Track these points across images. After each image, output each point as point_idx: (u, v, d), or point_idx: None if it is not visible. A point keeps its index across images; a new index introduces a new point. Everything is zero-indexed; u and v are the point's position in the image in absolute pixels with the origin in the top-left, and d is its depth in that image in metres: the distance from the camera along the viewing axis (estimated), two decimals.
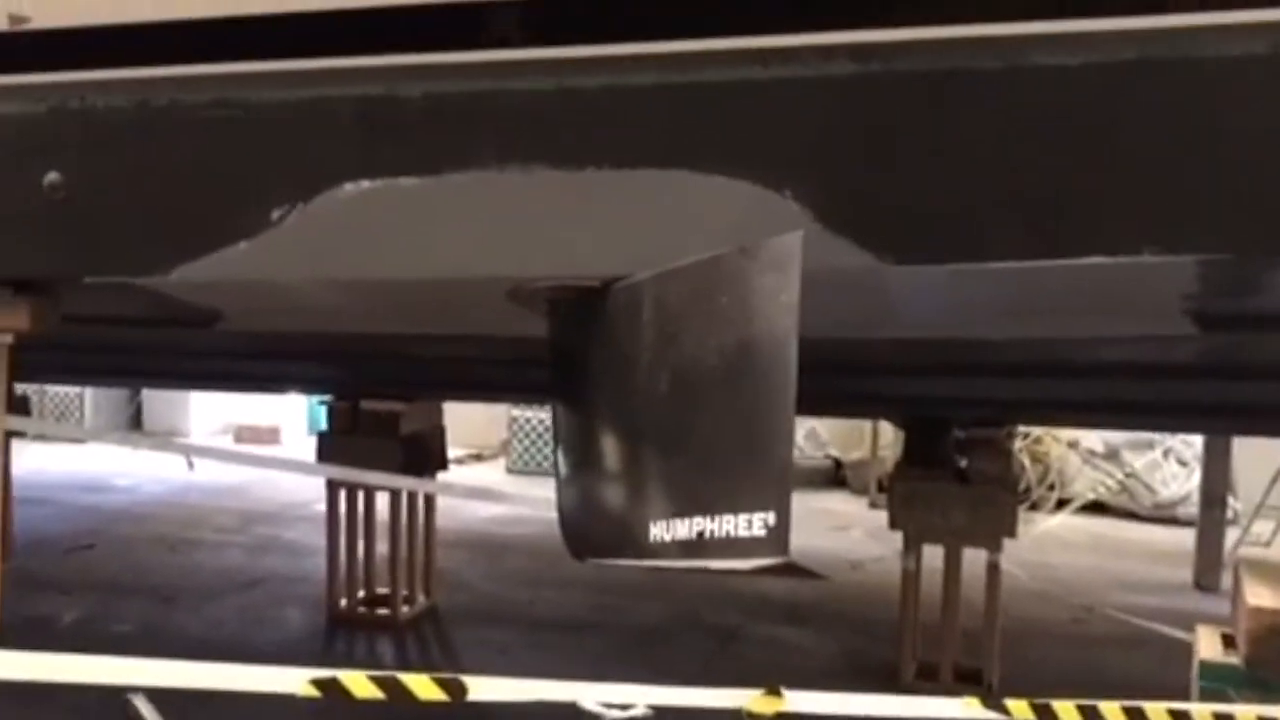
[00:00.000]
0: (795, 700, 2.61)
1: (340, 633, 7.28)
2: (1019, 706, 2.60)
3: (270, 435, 14.99)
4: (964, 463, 6.24)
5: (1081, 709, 2.69)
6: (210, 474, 12.36)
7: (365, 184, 2.63)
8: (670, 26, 2.41)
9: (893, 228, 2.33)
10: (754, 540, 2.04)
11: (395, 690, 2.36)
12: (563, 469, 2.79)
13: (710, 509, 2.14)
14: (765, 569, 2.05)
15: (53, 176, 2.81)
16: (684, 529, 2.20)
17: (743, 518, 2.05)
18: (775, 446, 2.06)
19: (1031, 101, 2.25)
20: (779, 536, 2.00)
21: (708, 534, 2.14)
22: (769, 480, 2.05)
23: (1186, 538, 9.75)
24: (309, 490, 10.50)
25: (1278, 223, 2.22)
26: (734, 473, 2.13)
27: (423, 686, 2.38)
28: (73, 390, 15.37)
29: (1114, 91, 2.22)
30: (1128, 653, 7.03)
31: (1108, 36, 2.19)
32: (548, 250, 2.58)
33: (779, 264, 2.08)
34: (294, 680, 2.29)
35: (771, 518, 2.02)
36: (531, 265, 2.61)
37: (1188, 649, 5.23)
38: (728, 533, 2.09)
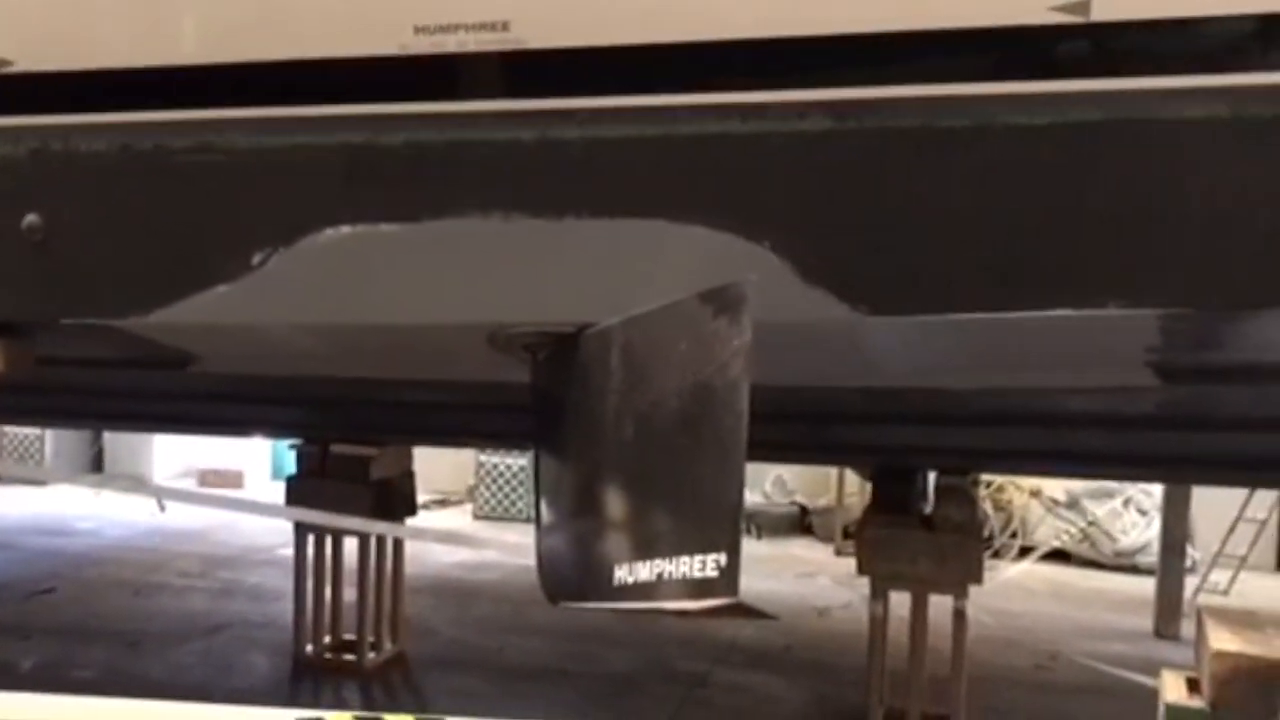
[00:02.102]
0: None
1: (306, 679, 7.20)
2: None
3: (234, 479, 14.81)
4: (931, 510, 6.28)
5: None
6: (173, 518, 12.22)
7: (346, 230, 2.67)
8: (651, 80, 2.46)
9: (869, 280, 2.38)
10: (707, 581, 2.08)
11: None
12: (542, 513, 2.81)
13: (668, 551, 2.18)
14: (717, 610, 2.09)
15: (31, 219, 2.82)
16: (645, 571, 2.23)
17: (697, 559, 2.09)
18: (727, 488, 2.10)
19: (1001, 158, 2.31)
20: (730, 577, 2.04)
21: (666, 575, 2.17)
22: (721, 521, 2.09)
23: (1146, 585, 9.84)
24: (272, 534, 10.41)
25: (1237, 278, 2.29)
26: (689, 514, 2.18)
27: None
28: (32, 432, 15.16)
29: (1080, 150, 2.29)
30: (1091, 699, 7.08)
31: (1075, 97, 2.27)
32: (527, 297, 2.61)
33: (732, 309, 2.12)
34: None
35: (723, 559, 2.06)
36: (510, 312, 2.65)
37: (1149, 695, 5.28)
38: (684, 574, 2.13)
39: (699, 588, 2.10)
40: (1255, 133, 2.22)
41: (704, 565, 2.09)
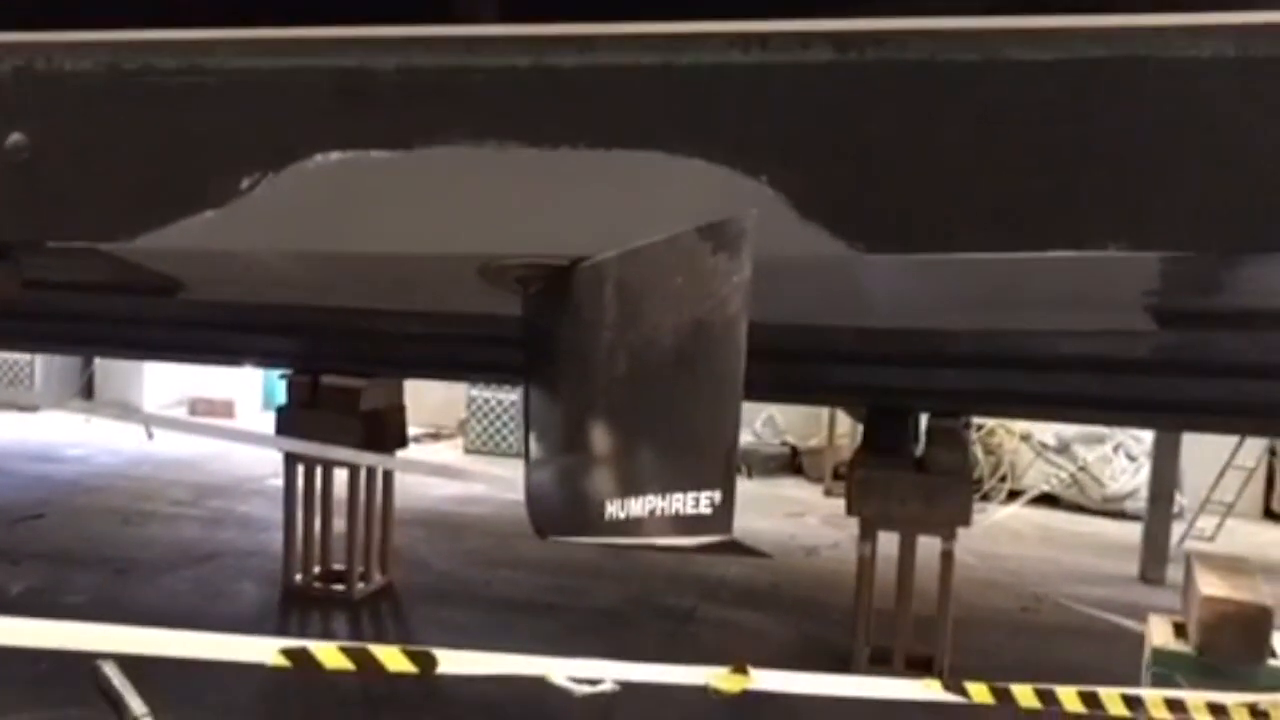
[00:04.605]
0: (760, 679, 2.64)
1: (295, 608, 7.25)
2: (978, 689, 2.65)
3: (225, 409, 14.84)
4: (922, 452, 6.30)
5: (1039, 692, 2.74)
6: (164, 446, 12.23)
7: (336, 156, 2.61)
8: (651, 6, 2.40)
9: (866, 217, 2.35)
10: (699, 518, 2.07)
11: (365, 661, 2.36)
12: (531, 447, 2.80)
13: (661, 487, 2.16)
14: (710, 547, 2.08)
15: (16, 138, 2.76)
16: (637, 507, 2.22)
17: (690, 496, 2.08)
18: (723, 426, 2.08)
19: (1005, 94, 2.27)
20: (724, 515, 2.02)
21: (658, 512, 2.15)
22: (715, 459, 2.07)
23: (1133, 531, 9.91)
24: (263, 464, 10.43)
25: (1241, 222, 2.26)
26: (683, 451, 2.15)
27: (392, 658, 2.38)
28: (22, 357, 15.12)
29: (1086, 87, 2.24)
30: (1075, 641, 7.15)
31: (1082, 33, 2.21)
32: (519, 228, 2.57)
33: (732, 244, 2.08)
34: (264, 649, 2.28)
35: (717, 496, 2.04)
36: (503, 243, 2.61)
37: (1133, 638, 5.32)
38: (676, 510, 2.11)
39: (692, 524, 2.08)
40: (1262, 73, 2.17)
41: (697, 502, 2.07)
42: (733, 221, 2.10)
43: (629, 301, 2.36)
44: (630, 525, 2.25)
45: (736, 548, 2.09)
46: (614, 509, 2.31)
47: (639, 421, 2.33)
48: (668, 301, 2.21)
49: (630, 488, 2.27)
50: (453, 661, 2.44)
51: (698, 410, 2.14)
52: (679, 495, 2.11)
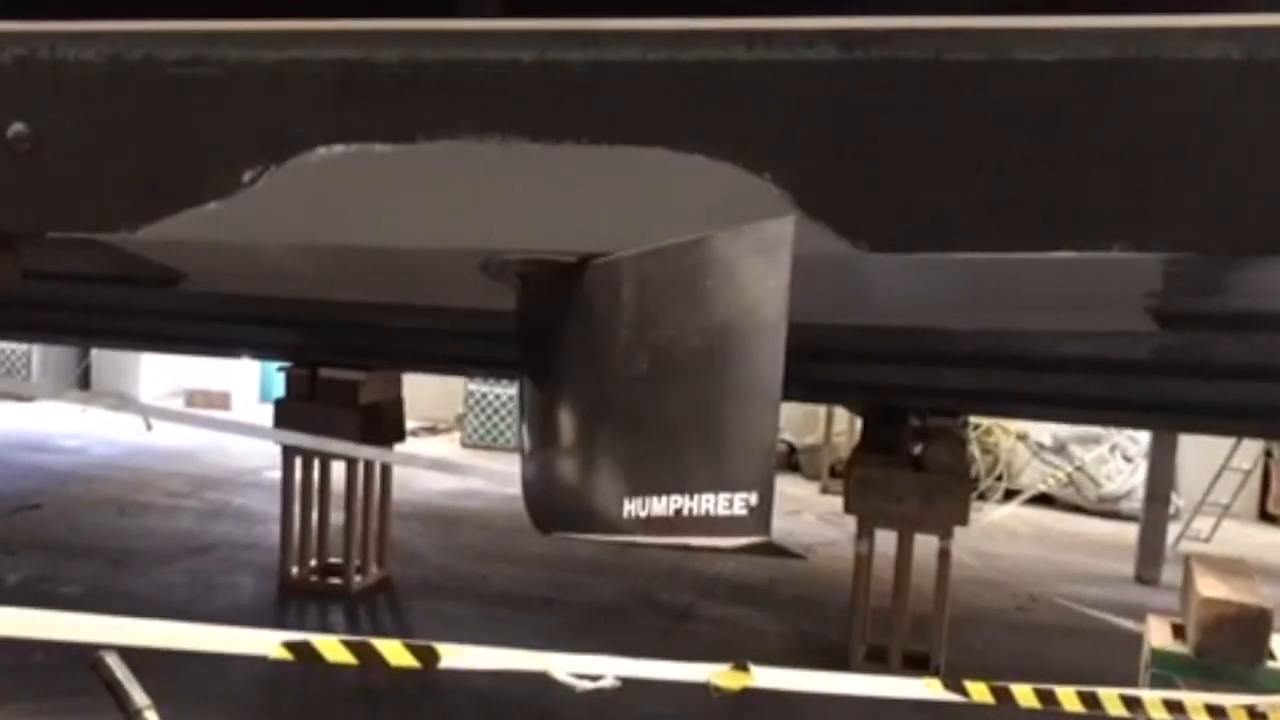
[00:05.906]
0: (761, 676, 2.63)
1: (292, 601, 7.23)
2: (978, 689, 2.65)
3: (221, 400, 14.82)
4: (919, 450, 6.29)
5: (1038, 692, 2.74)
6: (161, 437, 12.22)
7: (339, 149, 2.61)
8: (657, 2, 2.40)
9: (870, 215, 2.34)
10: (734, 519, 2.05)
11: (367, 655, 2.35)
12: (529, 443, 2.79)
13: (688, 487, 2.14)
14: (746, 548, 2.06)
15: (18, 128, 2.75)
16: (660, 506, 2.20)
17: (723, 497, 2.06)
18: (760, 429, 2.07)
19: (1010, 94, 2.26)
20: (761, 516, 2.01)
21: (686, 511, 2.14)
22: (752, 461, 2.06)
23: (1129, 531, 9.92)
24: (261, 457, 10.42)
25: (1246, 223, 2.26)
26: (716, 452, 2.14)
27: (395, 652, 2.38)
28: (19, 347, 15.10)
29: (1091, 88, 2.24)
30: (1070, 640, 7.15)
31: (1088, 34, 2.21)
32: (522, 224, 2.56)
33: (769, 248, 2.08)
34: (266, 642, 2.27)
35: (754, 498, 2.02)
36: (505, 238, 2.60)
37: (1128, 638, 5.33)
38: (707, 511, 2.09)
39: (725, 525, 2.06)
40: (1270, 75, 2.17)
41: (731, 504, 2.05)
42: (772, 225, 2.09)
43: (650, 300, 2.34)
44: (654, 524, 2.23)
45: (773, 549, 2.07)
46: (634, 507, 2.28)
47: (661, 421, 2.31)
48: (696, 302, 2.20)
49: (652, 487, 2.25)
50: (455, 656, 2.44)
51: (730, 412, 2.12)
52: (709, 495, 2.09)
